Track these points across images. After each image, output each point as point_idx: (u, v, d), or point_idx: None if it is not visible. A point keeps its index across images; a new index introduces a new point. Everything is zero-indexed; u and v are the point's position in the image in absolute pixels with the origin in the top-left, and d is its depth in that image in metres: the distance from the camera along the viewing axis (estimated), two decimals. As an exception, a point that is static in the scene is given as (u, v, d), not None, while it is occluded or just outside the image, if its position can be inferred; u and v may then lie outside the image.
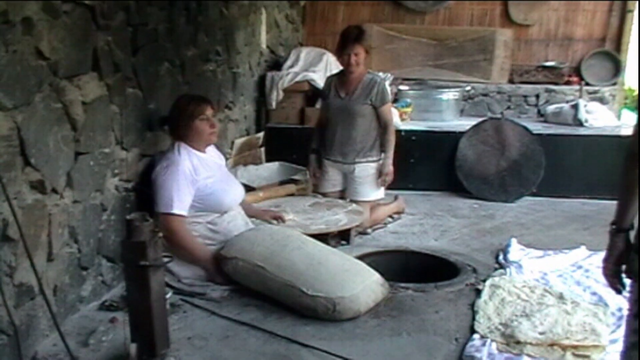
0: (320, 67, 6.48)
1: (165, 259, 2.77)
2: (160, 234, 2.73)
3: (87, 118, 3.12)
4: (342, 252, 3.75)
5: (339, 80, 4.70)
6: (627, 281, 1.90)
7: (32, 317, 2.77)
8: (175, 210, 3.49)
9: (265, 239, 3.55)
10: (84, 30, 3.06)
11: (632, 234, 1.88)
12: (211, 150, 3.88)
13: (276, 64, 6.66)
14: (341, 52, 4.54)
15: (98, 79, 3.22)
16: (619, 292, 1.96)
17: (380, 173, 4.68)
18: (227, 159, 4.21)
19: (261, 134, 6.14)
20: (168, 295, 3.15)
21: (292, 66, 6.50)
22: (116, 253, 3.38)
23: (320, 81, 5.90)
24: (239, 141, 5.61)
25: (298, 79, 6.24)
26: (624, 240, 1.89)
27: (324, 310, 3.17)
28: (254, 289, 3.42)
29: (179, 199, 3.51)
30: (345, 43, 4.49)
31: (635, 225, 1.89)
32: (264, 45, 6.41)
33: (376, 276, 3.45)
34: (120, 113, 3.47)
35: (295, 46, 7.33)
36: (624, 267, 1.91)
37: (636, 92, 11.30)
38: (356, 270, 3.45)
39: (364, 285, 3.31)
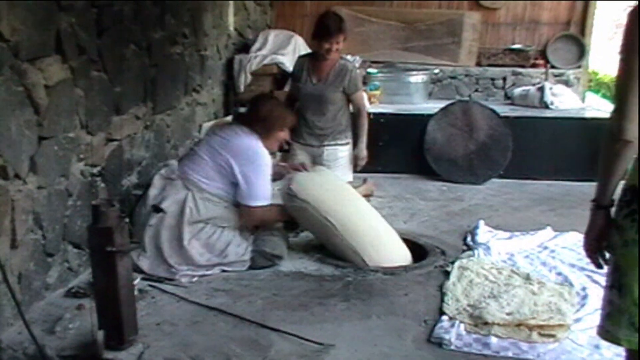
0: (288, 50, 6.43)
1: (132, 245, 2.74)
2: (129, 222, 2.70)
3: (51, 102, 3.06)
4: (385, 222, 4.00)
5: (311, 64, 4.58)
6: (608, 255, 1.96)
7: (-4, 305, 2.72)
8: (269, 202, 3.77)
9: (329, 182, 3.96)
10: (46, 11, 2.98)
11: (613, 211, 1.94)
12: None
13: (244, 47, 6.60)
14: (322, 40, 4.40)
15: (61, 61, 3.15)
16: (599, 266, 2.02)
17: (355, 157, 4.67)
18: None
19: (229, 118, 6.09)
20: (136, 281, 3.12)
21: (260, 49, 6.44)
22: (82, 239, 3.33)
23: (289, 64, 5.85)
24: (207, 125, 5.56)
25: (266, 61, 6.20)
26: (604, 217, 1.95)
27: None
28: (311, 232, 3.96)
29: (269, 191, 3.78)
30: (329, 32, 4.34)
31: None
32: (231, 28, 6.34)
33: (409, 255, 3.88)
34: (85, 96, 3.41)
35: (264, 29, 7.26)
36: (604, 243, 1.96)
37: (600, 75, 11.49)
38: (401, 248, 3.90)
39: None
